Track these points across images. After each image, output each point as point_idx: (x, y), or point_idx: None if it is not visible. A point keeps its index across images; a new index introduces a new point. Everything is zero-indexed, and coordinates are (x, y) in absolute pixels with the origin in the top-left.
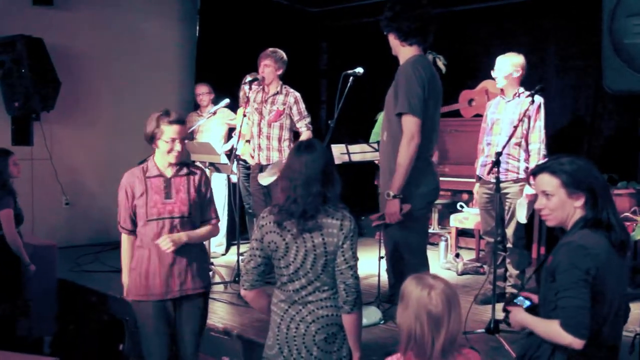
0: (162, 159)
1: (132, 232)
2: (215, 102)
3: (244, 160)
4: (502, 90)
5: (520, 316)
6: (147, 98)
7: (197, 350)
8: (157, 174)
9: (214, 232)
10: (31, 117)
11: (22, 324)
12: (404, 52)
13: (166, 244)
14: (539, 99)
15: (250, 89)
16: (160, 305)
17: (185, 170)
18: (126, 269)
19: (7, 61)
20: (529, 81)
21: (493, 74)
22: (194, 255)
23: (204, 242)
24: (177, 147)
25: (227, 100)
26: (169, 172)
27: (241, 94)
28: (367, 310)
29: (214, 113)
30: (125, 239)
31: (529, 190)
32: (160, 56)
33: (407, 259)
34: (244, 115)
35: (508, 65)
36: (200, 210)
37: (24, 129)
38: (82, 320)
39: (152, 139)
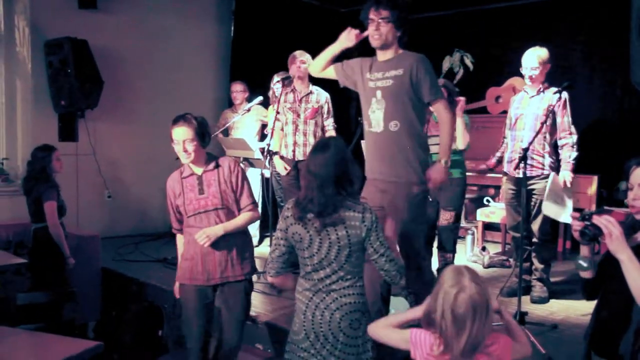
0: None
1: (180, 230)
2: (249, 99)
3: (275, 153)
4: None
5: (626, 247)
6: (184, 96)
7: (239, 338)
8: (190, 173)
9: (253, 217)
10: (76, 114)
11: (68, 309)
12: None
13: (202, 239)
14: (564, 95)
15: (283, 85)
16: (202, 290)
17: (213, 165)
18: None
19: (55, 62)
20: (555, 78)
21: (522, 70)
22: (235, 244)
23: (248, 231)
24: (180, 147)
25: (260, 98)
26: (199, 170)
27: (270, 92)
28: (394, 301)
29: (248, 110)
30: (178, 238)
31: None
32: (197, 56)
33: (419, 242)
34: (277, 113)
35: (535, 58)
36: (235, 199)
37: (70, 125)
38: (124, 306)
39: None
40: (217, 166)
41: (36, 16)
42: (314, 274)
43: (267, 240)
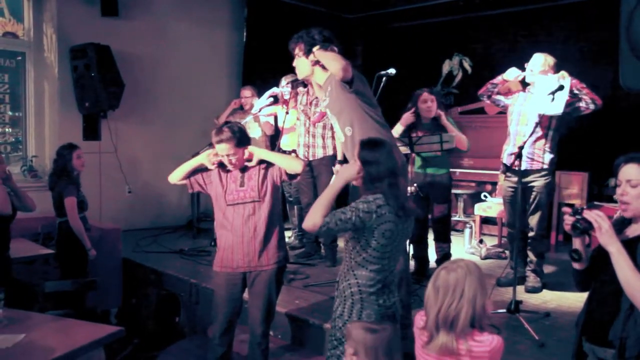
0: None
1: (188, 181)
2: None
3: (285, 152)
4: (529, 84)
5: (615, 240)
6: (198, 98)
7: (265, 327)
8: None
9: (297, 160)
10: (99, 115)
11: (90, 297)
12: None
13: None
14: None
15: (292, 88)
16: (231, 278)
17: (257, 160)
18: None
19: (80, 66)
20: None
21: (527, 65)
22: (266, 235)
23: (281, 222)
24: (226, 160)
25: (269, 101)
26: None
27: (279, 94)
28: None
29: (259, 110)
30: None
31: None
32: (211, 60)
33: None
34: (287, 113)
35: (544, 61)
36: (274, 192)
37: (93, 125)
38: (143, 295)
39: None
40: (260, 162)
41: (62, 24)
42: (387, 266)
43: None
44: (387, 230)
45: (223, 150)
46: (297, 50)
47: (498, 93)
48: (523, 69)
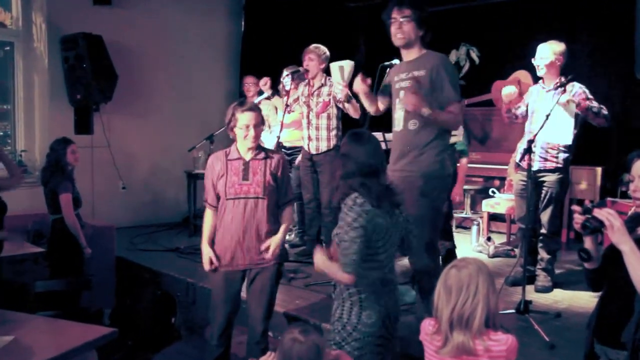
0: (242, 144)
1: (215, 207)
2: (260, 93)
3: (285, 147)
4: (542, 79)
5: (628, 239)
6: (195, 90)
7: (265, 327)
8: (237, 157)
9: (292, 212)
10: (91, 108)
11: (84, 297)
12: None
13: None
14: (577, 87)
15: (292, 80)
16: (230, 277)
17: (262, 155)
18: (205, 239)
19: (71, 57)
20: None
21: (534, 61)
22: (267, 231)
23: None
24: (252, 132)
25: (267, 94)
26: (248, 156)
27: (280, 86)
28: (400, 290)
29: (259, 103)
30: (208, 213)
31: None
32: (208, 50)
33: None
34: (287, 106)
35: (549, 52)
36: (276, 192)
37: (85, 119)
38: (138, 294)
39: (231, 128)
40: (267, 157)
41: (52, 13)
42: (385, 262)
43: None
44: (377, 224)
45: (249, 118)
46: (407, 14)
47: (516, 109)
48: (531, 66)
